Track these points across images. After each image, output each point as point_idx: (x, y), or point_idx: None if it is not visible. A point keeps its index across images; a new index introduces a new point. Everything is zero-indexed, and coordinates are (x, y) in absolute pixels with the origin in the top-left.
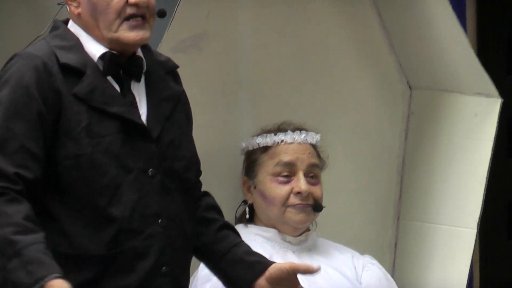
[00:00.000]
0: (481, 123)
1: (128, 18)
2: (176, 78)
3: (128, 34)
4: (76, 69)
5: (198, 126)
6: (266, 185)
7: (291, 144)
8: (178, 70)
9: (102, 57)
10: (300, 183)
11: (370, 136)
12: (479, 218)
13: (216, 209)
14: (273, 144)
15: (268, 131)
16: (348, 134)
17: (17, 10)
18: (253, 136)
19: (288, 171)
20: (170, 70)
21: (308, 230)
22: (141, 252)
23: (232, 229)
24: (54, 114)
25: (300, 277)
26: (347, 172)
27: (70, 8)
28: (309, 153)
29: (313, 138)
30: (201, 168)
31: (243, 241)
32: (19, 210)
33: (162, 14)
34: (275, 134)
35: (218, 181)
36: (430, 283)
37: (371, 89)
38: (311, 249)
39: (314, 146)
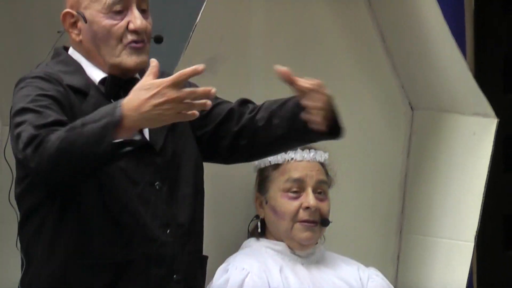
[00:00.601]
0: (479, 141)
1: (128, 43)
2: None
3: (130, 59)
4: (80, 90)
5: None
6: (277, 200)
7: (301, 162)
8: None
9: (103, 81)
10: (309, 198)
11: (375, 154)
12: (476, 231)
13: (252, 111)
14: (284, 161)
15: None
16: (354, 152)
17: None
18: None
19: (298, 187)
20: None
21: (316, 243)
22: (154, 259)
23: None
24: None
25: (307, 286)
26: (353, 188)
27: (71, 36)
28: (318, 170)
29: (322, 156)
30: (215, 184)
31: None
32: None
33: (159, 40)
34: (286, 153)
35: (231, 197)
36: None
37: (375, 110)
38: (319, 261)
39: (322, 164)
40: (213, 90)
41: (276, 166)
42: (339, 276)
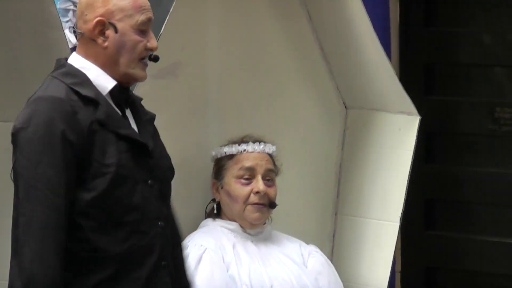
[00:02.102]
0: (404, 136)
1: (142, 58)
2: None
3: (140, 72)
4: (93, 100)
5: (175, 138)
6: (231, 185)
7: (252, 153)
8: (160, 92)
9: (111, 91)
10: (259, 184)
11: (314, 147)
12: (401, 213)
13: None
14: (238, 152)
15: (233, 142)
16: (296, 145)
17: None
18: (221, 146)
19: (249, 175)
20: (140, 101)
21: (264, 223)
22: (148, 249)
23: None
24: (84, 145)
25: (256, 260)
26: (296, 176)
27: (97, 41)
28: (266, 160)
29: (270, 148)
30: (177, 172)
31: None
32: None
33: (156, 59)
34: (239, 145)
35: (191, 183)
36: (362, 267)
37: (314, 109)
38: (267, 239)
39: (270, 155)
40: None
41: (231, 156)
42: (283, 252)
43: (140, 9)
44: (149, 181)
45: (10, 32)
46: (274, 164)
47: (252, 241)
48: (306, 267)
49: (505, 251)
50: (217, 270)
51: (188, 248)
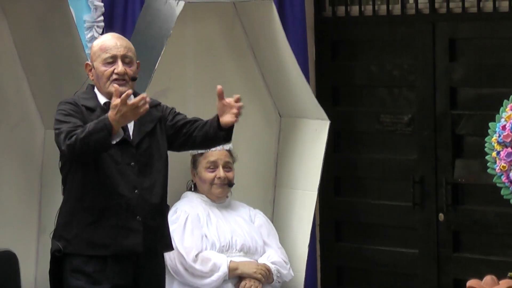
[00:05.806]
0: (319, 134)
1: (115, 80)
2: (158, 108)
3: (112, 89)
4: (90, 108)
5: None
6: (202, 173)
7: (215, 151)
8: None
9: (105, 103)
10: (220, 172)
11: (259, 143)
12: (318, 185)
13: (196, 122)
14: (206, 151)
15: None
16: (247, 142)
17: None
18: None
19: (214, 166)
20: (153, 106)
21: (226, 197)
22: (123, 206)
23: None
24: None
25: (221, 221)
26: (247, 162)
27: (88, 75)
28: (225, 155)
29: (227, 146)
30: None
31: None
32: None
33: (134, 79)
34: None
35: (175, 171)
36: (293, 223)
37: (258, 117)
38: (227, 207)
39: (228, 150)
40: (145, 95)
41: (202, 153)
42: (239, 215)
43: (105, 50)
44: (132, 163)
45: (53, 67)
46: (231, 156)
47: (217, 208)
48: (253, 223)
49: (388, 210)
50: (196, 229)
51: (177, 212)
